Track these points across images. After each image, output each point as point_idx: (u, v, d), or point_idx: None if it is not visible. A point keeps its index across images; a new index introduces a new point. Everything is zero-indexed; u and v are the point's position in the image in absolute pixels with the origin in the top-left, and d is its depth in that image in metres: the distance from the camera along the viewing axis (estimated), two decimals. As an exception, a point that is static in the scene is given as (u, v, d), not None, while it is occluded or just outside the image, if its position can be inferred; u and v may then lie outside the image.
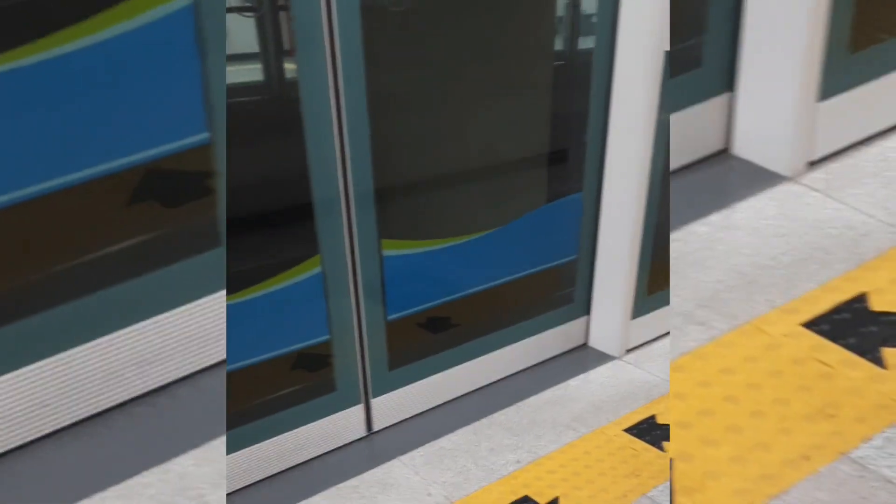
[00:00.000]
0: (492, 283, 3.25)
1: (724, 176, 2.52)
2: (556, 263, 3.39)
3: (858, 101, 2.51)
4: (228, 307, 2.50)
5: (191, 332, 2.13)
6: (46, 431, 1.99)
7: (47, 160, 1.81)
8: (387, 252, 2.88)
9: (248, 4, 2.68)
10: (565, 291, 3.48)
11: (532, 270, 3.34)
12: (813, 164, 2.52)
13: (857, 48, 2.45)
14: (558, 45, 3.20)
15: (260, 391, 2.84)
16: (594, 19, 3.00)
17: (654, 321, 3.51)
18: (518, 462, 2.74)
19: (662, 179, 3.19)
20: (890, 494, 1.67)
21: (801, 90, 2.37)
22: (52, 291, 1.93)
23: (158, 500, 1.81)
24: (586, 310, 3.53)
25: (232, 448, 2.77)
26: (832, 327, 2.02)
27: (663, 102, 2.99)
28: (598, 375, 3.29)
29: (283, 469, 2.91)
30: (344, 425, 3.03)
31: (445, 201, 3.11)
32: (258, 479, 2.86)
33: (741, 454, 1.78)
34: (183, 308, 2.10)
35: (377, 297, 2.93)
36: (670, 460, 1.80)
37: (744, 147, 2.56)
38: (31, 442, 1.99)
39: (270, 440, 2.86)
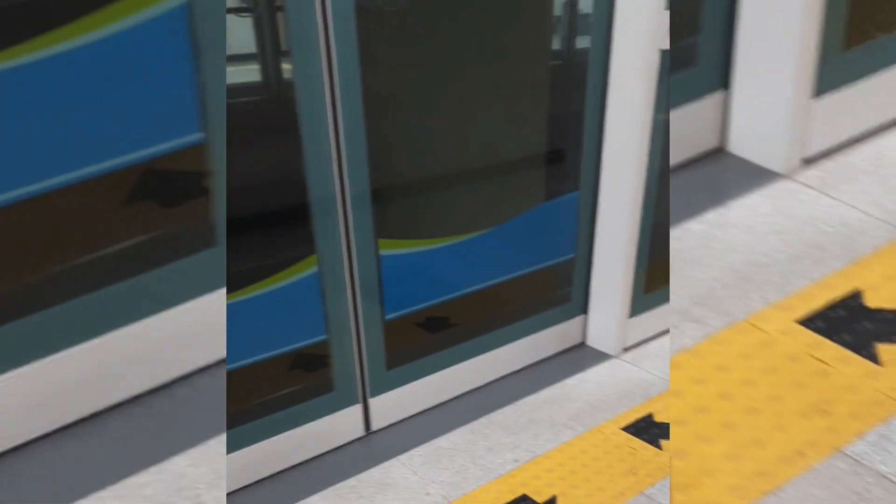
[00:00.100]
0: (489, 283, 3.26)
1: (720, 174, 2.52)
2: (553, 262, 3.40)
3: (853, 98, 2.52)
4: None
5: (187, 331, 2.13)
6: (42, 432, 1.99)
7: (38, 160, 1.81)
8: (384, 252, 2.88)
9: (244, 5, 2.69)
10: (563, 290, 3.49)
11: (529, 269, 3.35)
12: (808, 162, 2.52)
13: (852, 45, 2.46)
14: (556, 44, 3.21)
15: (258, 391, 2.85)
16: (591, 19, 3.01)
17: (651, 320, 3.51)
18: (516, 461, 2.75)
19: (662, 178, 3.20)
20: (885, 490, 1.67)
21: (795, 88, 2.38)
22: (46, 292, 1.94)
23: (155, 500, 1.81)
24: (584, 309, 3.53)
25: (230, 448, 2.78)
26: (827, 324, 2.02)
27: (659, 101, 2.99)
28: (595, 374, 3.29)
29: (281, 469, 2.91)
30: (342, 425, 3.03)
31: (442, 201, 3.12)
32: (256, 479, 2.87)
33: (736, 451, 1.78)
34: (179, 308, 2.10)
35: (374, 297, 2.94)
36: (671, 457, 1.80)
37: (739, 145, 2.57)
38: (27, 443, 1.99)
39: (268, 440, 2.86)
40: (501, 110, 3.09)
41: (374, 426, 3.13)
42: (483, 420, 3.04)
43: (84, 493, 1.82)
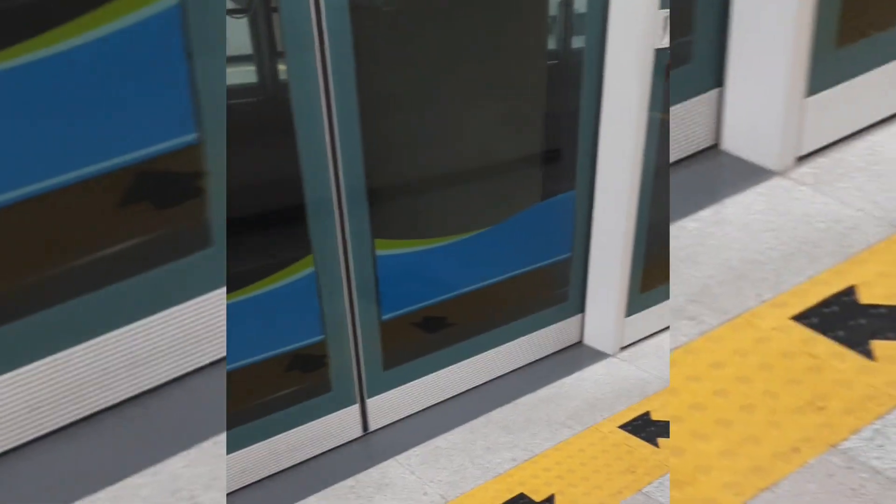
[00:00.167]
0: (486, 282, 3.26)
1: (714, 171, 2.53)
2: (550, 262, 3.40)
3: (846, 95, 2.53)
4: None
5: (182, 333, 2.13)
6: (38, 434, 1.99)
7: (33, 162, 1.81)
8: (380, 252, 2.89)
9: (239, 6, 2.69)
10: (560, 290, 3.49)
11: (526, 269, 3.35)
12: (801, 159, 2.53)
13: (844, 43, 2.46)
14: (552, 44, 3.21)
15: (255, 392, 2.85)
16: (585, 18, 3.01)
17: (647, 318, 3.52)
18: (514, 460, 2.75)
19: (657, 176, 3.20)
20: (879, 485, 1.68)
21: (789, 86, 2.39)
22: (41, 294, 1.93)
23: (151, 502, 1.82)
24: (580, 308, 3.53)
25: (228, 449, 2.78)
26: (821, 320, 2.03)
27: (654, 100, 3.00)
28: (592, 373, 3.30)
29: (279, 470, 2.91)
30: (339, 426, 3.03)
31: (438, 200, 3.12)
32: (254, 480, 2.86)
33: (731, 448, 1.79)
34: (174, 309, 2.10)
35: (371, 297, 2.94)
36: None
37: (733, 143, 2.58)
38: (24, 444, 1.99)
39: (266, 441, 2.86)
40: (497, 110, 3.09)
41: (372, 426, 3.13)
42: (481, 419, 3.04)
43: (81, 495, 1.82)
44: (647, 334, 3.53)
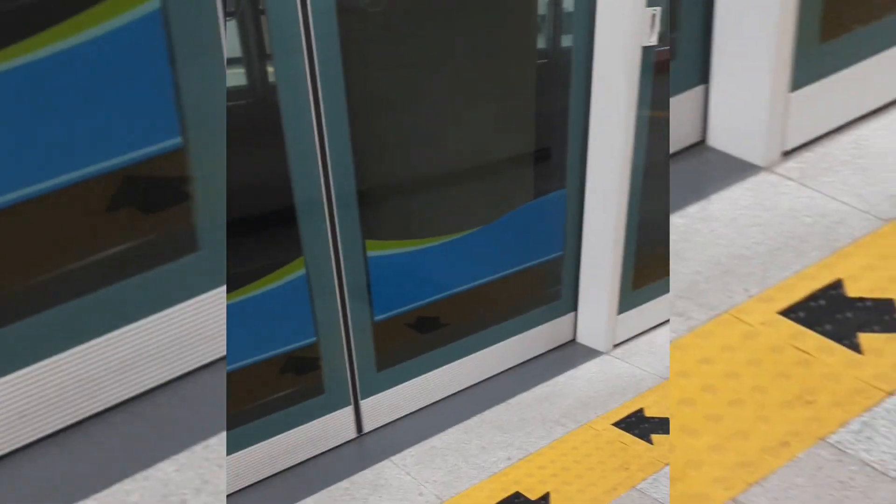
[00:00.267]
0: (478, 282, 3.26)
1: (700, 167, 2.53)
2: (542, 260, 3.41)
3: (830, 90, 2.53)
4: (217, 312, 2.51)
5: (169, 337, 2.13)
6: (27, 441, 1.99)
7: (17, 168, 1.80)
8: (371, 253, 2.89)
9: (228, 9, 2.69)
10: (552, 288, 3.50)
11: (518, 268, 3.36)
12: (787, 154, 2.53)
13: (827, 38, 2.47)
14: (541, 43, 3.22)
15: (249, 395, 2.85)
16: (573, 17, 3.02)
17: (640, 316, 3.53)
18: (509, 459, 2.75)
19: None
20: (868, 478, 1.69)
21: (773, 81, 2.39)
22: (26, 301, 1.93)
23: (142, 507, 1.82)
24: (573, 306, 3.54)
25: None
26: (808, 315, 2.04)
27: (643, 98, 3.01)
28: (586, 371, 3.30)
29: (274, 473, 2.91)
30: (334, 428, 3.03)
31: (429, 201, 3.12)
32: (249, 483, 2.87)
33: (721, 443, 1.80)
34: (160, 314, 2.10)
35: (363, 298, 2.94)
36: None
37: (719, 138, 2.58)
38: (10, 453, 1.98)
39: (260, 444, 2.86)
40: (487, 109, 3.10)
41: (366, 428, 3.13)
42: (475, 419, 3.04)
43: (70, 502, 1.81)
44: (640, 331, 3.54)
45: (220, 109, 2.02)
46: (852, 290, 2.08)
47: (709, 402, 1.88)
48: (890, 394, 1.84)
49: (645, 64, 2.92)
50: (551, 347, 3.56)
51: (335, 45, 2.48)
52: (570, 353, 3.50)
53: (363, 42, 2.62)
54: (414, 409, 3.22)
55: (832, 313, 2.03)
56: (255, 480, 2.88)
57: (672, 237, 2.30)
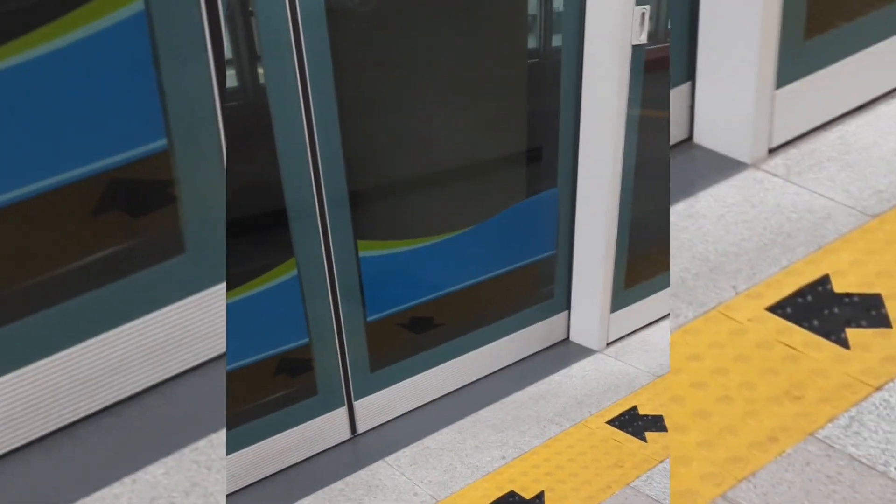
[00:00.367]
0: (471, 282, 3.27)
1: (687, 165, 2.54)
2: (534, 260, 3.41)
3: (815, 86, 2.54)
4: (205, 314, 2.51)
5: (157, 340, 2.13)
6: (14, 446, 1.98)
7: (3, 171, 1.80)
8: (363, 253, 2.89)
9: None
10: (545, 287, 3.50)
11: (511, 267, 3.36)
12: (773, 151, 2.54)
13: (812, 34, 2.48)
14: (532, 43, 3.22)
15: (242, 397, 2.85)
16: (562, 17, 3.03)
17: (632, 314, 3.53)
18: (503, 458, 2.76)
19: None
20: (857, 473, 1.69)
21: (759, 78, 2.40)
22: (13, 304, 1.93)
23: (131, 510, 1.82)
24: (566, 305, 3.55)
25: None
26: (796, 310, 2.04)
27: (633, 97, 3.01)
28: (579, 369, 3.31)
29: (268, 474, 2.92)
30: (327, 429, 3.04)
31: (421, 201, 3.13)
32: (243, 485, 2.87)
33: (710, 439, 1.80)
34: (148, 317, 2.10)
35: (356, 299, 2.94)
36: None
37: (705, 136, 2.59)
38: None
39: (254, 446, 2.86)
40: (478, 109, 3.10)
41: (360, 428, 3.13)
42: (470, 419, 3.05)
43: (59, 506, 1.82)
44: (633, 329, 3.55)
45: (207, 111, 2.02)
46: (839, 286, 2.08)
47: (698, 398, 1.89)
48: (877, 388, 1.85)
49: (635, 62, 2.93)
50: (545, 346, 3.57)
51: (325, 46, 2.49)
52: (564, 352, 3.51)
53: (353, 43, 2.62)
54: (408, 410, 3.22)
55: (819, 309, 2.04)
56: (250, 482, 2.88)
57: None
